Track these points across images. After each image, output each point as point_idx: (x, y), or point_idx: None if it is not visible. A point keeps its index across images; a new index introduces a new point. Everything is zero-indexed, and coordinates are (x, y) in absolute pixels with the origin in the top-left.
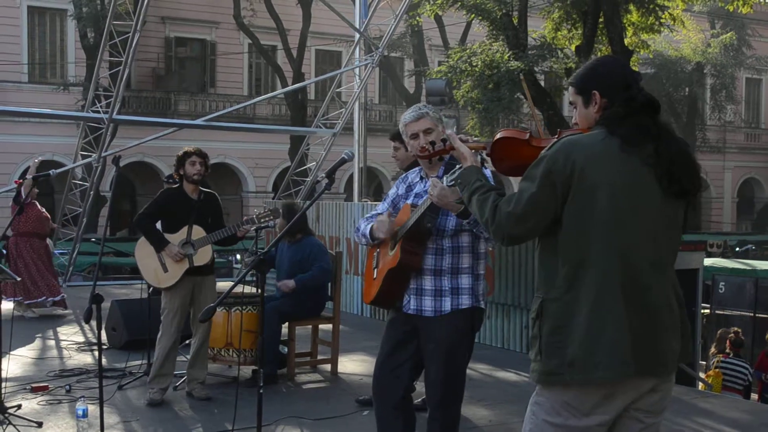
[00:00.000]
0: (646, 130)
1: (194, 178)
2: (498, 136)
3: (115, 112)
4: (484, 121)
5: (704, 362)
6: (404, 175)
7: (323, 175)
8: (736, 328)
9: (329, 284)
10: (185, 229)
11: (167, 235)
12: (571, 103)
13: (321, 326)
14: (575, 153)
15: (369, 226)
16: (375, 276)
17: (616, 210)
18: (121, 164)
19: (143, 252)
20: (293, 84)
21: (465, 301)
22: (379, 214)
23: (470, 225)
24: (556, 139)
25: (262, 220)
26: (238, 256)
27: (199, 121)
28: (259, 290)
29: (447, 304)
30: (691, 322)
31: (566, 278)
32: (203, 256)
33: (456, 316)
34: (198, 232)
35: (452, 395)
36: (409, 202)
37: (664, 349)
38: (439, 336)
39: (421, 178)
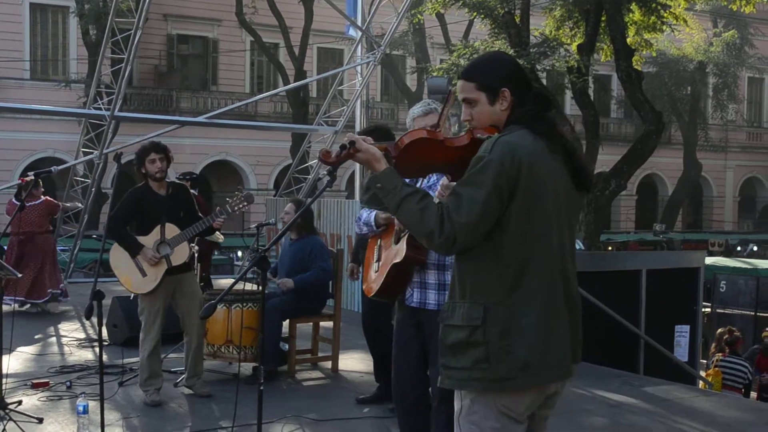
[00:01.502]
0: (555, 127)
1: (157, 176)
2: (412, 137)
3: (116, 109)
4: None
5: (704, 361)
6: None
7: (325, 172)
8: (730, 327)
9: (330, 282)
10: (158, 228)
11: (140, 238)
12: (465, 99)
13: (322, 323)
14: (519, 153)
15: (373, 214)
16: (377, 269)
17: (556, 208)
18: (123, 161)
19: (118, 258)
20: (295, 81)
21: None
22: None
23: None
24: (469, 138)
25: (236, 208)
26: (240, 254)
27: (200, 119)
28: (260, 287)
29: None
30: (692, 321)
31: (511, 279)
32: (180, 254)
33: None
34: (172, 230)
35: None
36: None
37: (581, 340)
38: None
39: None
